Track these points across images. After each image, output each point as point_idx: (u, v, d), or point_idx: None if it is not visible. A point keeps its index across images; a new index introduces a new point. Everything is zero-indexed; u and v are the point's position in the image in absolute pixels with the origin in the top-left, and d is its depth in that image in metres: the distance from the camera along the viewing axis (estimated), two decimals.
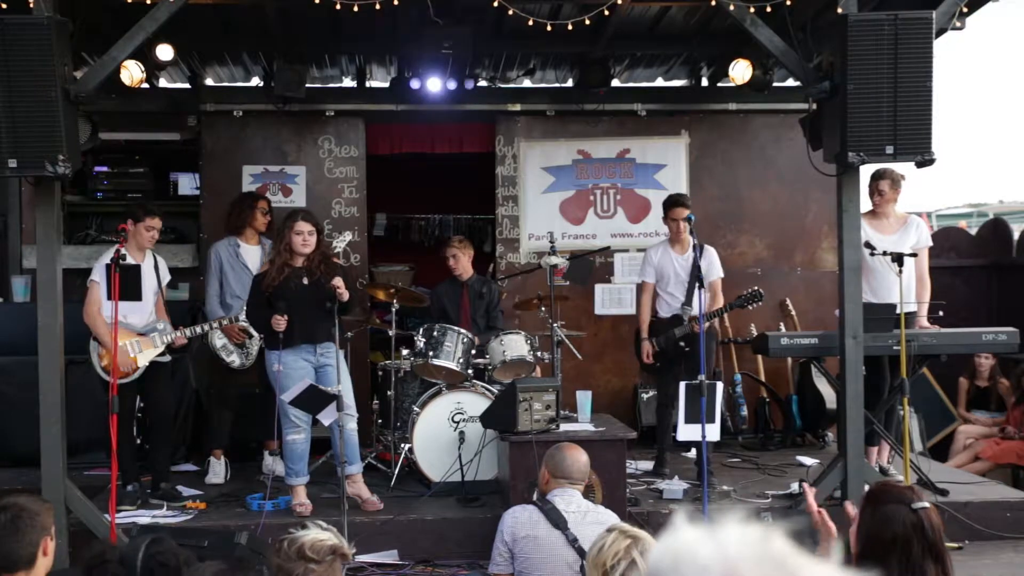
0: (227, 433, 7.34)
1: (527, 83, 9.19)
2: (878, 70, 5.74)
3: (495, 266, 8.88)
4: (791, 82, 8.51)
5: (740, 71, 7.93)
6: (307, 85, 8.15)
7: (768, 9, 6.11)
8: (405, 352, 7.30)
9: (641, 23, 7.95)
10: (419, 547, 6.09)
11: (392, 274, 9.85)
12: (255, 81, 9.04)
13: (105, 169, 9.01)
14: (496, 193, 8.93)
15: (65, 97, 5.53)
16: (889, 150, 5.82)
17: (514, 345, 7.03)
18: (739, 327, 8.86)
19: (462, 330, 7.00)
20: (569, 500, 4.40)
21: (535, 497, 4.72)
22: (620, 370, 8.79)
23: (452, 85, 8.37)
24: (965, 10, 6.54)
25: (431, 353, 6.85)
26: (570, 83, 9.15)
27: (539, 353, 7.12)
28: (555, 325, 7.01)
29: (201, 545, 4.39)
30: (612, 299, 8.91)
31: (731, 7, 6.05)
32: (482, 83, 8.84)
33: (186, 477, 7.33)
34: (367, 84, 9.19)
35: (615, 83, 8.98)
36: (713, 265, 7.03)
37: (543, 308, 7.30)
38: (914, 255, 6.70)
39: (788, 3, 6.03)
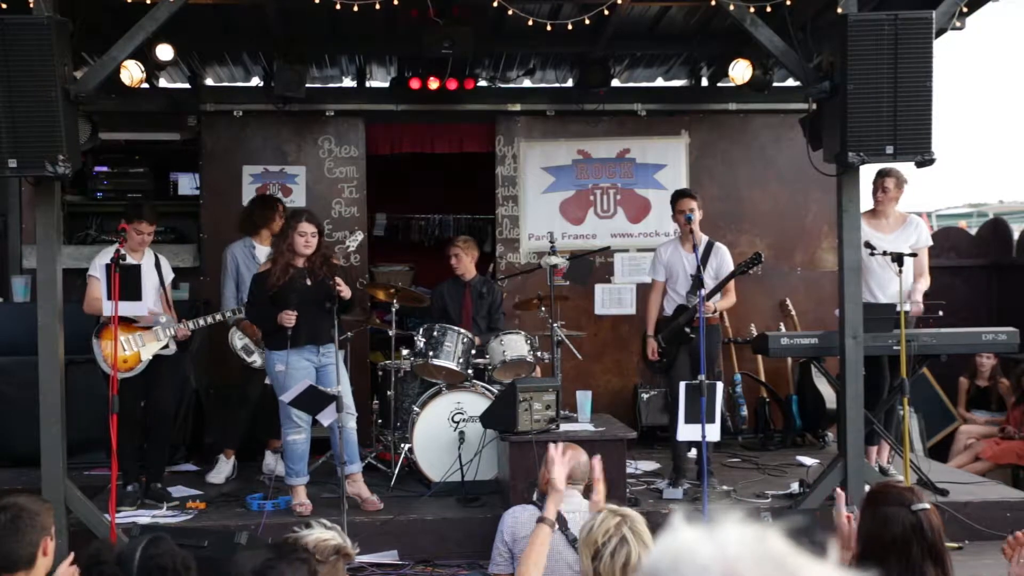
0: (241, 434, 7.33)
1: (527, 83, 9.19)
2: (878, 70, 5.74)
3: (495, 266, 8.88)
4: (791, 82, 8.51)
5: (740, 71, 7.93)
6: (307, 85, 8.14)
7: (768, 9, 6.11)
8: (405, 352, 7.30)
9: (641, 23, 7.95)
10: (419, 547, 6.09)
11: (392, 274, 9.85)
12: (255, 81, 9.04)
13: (105, 169, 9.01)
14: (496, 193, 8.93)
15: (65, 97, 5.53)
16: (889, 150, 5.82)
17: (514, 345, 7.03)
18: (739, 327, 8.86)
19: (462, 330, 7.00)
20: (569, 500, 4.40)
21: (535, 497, 4.72)
22: (620, 370, 8.79)
23: (452, 85, 8.37)
24: (965, 10, 6.54)
25: (431, 353, 6.85)
26: (570, 83, 9.15)
27: (539, 353, 7.12)
28: (555, 325, 7.01)
29: (201, 545, 4.38)
30: (612, 299, 8.91)
31: (731, 7, 6.05)
32: (482, 83, 8.84)
33: (186, 477, 7.34)
34: (367, 84, 9.19)
35: (615, 83, 8.98)
36: (724, 263, 6.93)
37: (543, 308, 7.30)
38: (914, 255, 6.69)
39: (788, 3, 6.03)
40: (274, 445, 7.32)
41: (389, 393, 7.28)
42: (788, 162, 8.74)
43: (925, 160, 5.90)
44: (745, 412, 8.65)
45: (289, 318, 6.10)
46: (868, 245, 6.56)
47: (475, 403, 6.78)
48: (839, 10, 5.92)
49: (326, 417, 5.95)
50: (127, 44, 5.89)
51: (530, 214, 8.91)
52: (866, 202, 6.76)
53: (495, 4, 6.07)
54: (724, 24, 7.34)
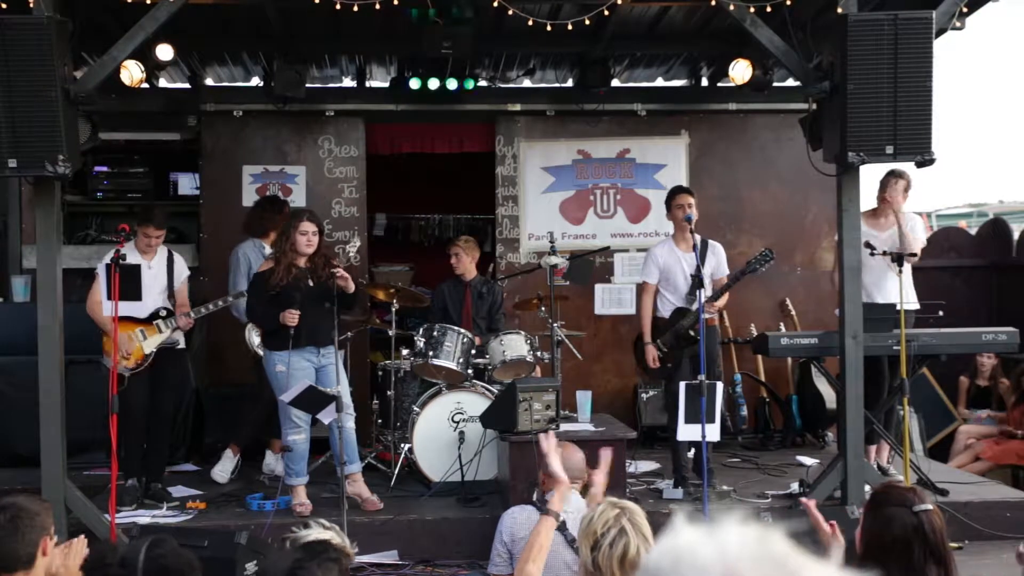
0: (250, 433, 7.32)
1: (527, 83, 9.19)
2: (878, 70, 5.74)
3: (495, 266, 8.88)
4: (791, 82, 8.51)
5: (740, 71, 7.93)
6: (307, 85, 8.15)
7: (768, 9, 6.11)
8: (405, 352, 7.30)
9: (641, 23, 7.95)
10: (419, 547, 6.09)
11: (392, 274, 9.85)
12: (255, 81, 9.03)
13: (105, 169, 9.02)
14: (496, 193, 8.93)
15: (65, 97, 5.53)
16: (889, 150, 5.82)
17: (514, 345, 7.03)
18: (739, 327, 8.86)
19: (462, 330, 7.00)
20: (567, 500, 4.39)
21: (535, 497, 4.72)
22: (620, 370, 8.79)
23: (452, 85, 8.37)
24: (965, 10, 6.54)
25: (431, 353, 6.85)
26: (570, 83, 9.15)
27: (539, 353, 7.12)
28: (555, 325, 7.01)
29: (201, 545, 4.37)
30: (612, 299, 8.91)
31: (731, 7, 6.05)
32: (482, 83, 8.84)
33: (186, 477, 7.33)
34: (367, 84, 9.19)
35: (615, 83, 8.98)
36: (722, 263, 6.89)
37: (543, 308, 7.29)
38: (914, 255, 6.69)
39: (788, 3, 6.03)
40: (276, 446, 7.31)
41: (389, 393, 7.28)
42: (788, 162, 8.73)
43: (925, 160, 5.90)
44: (745, 412, 8.65)
45: (293, 317, 6.10)
46: (868, 245, 6.56)
47: (475, 403, 6.78)
48: (839, 10, 5.92)
49: (326, 416, 5.95)
50: (127, 44, 5.89)
51: (530, 214, 8.91)
52: (866, 201, 6.76)
53: (495, 4, 6.07)
54: (724, 24, 7.35)
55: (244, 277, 7.19)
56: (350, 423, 6.28)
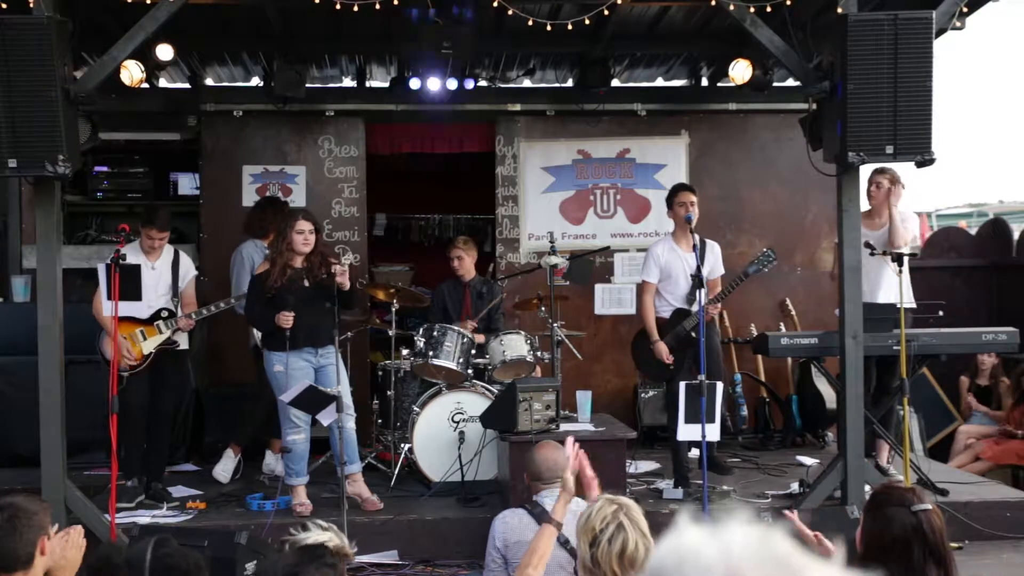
0: (251, 432, 7.31)
1: (527, 83, 9.19)
2: (878, 70, 5.74)
3: (495, 266, 8.87)
4: (791, 82, 8.51)
5: (740, 71, 7.93)
6: (307, 85, 8.15)
7: (768, 9, 6.11)
8: (405, 352, 7.30)
9: (641, 23, 7.95)
10: (419, 547, 6.09)
11: (392, 274, 9.85)
12: (255, 81, 9.03)
13: (105, 169, 9.02)
14: (496, 193, 8.93)
15: (65, 97, 5.53)
16: (889, 150, 5.82)
17: (514, 345, 7.03)
18: (739, 327, 8.86)
19: (462, 330, 7.00)
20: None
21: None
22: (620, 370, 8.79)
23: (452, 85, 8.36)
24: (965, 10, 6.54)
25: (431, 353, 6.85)
26: (570, 83, 9.15)
27: (539, 353, 7.12)
28: (555, 325, 7.00)
29: (201, 545, 4.37)
30: (612, 299, 8.91)
31: (731, 7, 6.05)
32: (482, 83, 8.84)
33: (186, 477, 7.33)
34: (367, 84, 9.19)
35: (615, 83, 8.98)
36: (718, 263, 6.90)
37: (543, 308, 7.29)
38: (914, 255, 6.70)
39: (788, 3, 6.03)
40: (276, 446, 7.31)
41: (389, 393, 7.28)
42: (788, 162, 8.73)
43: (925, 160, 5.90)
44: (745, 412, 8.65)
45: (287, 319, 6.10)
46: (868, 245, 6.56)
47: (475, 403, 6.78)
48: (839, 10, 5.92)
49: (326, 417, 5.95)
50: (127, 44, 5.89)
51: (530, 214, 8.91)
52: (864, 203, 6.75)
53: (495, 4, 6.07)
54: (724, 24, 7.35)
55: (247, 275, 7.19)
56: (350, 423, 6.28)
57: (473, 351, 7.01)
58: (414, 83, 8.41)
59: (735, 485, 6.89)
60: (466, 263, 7.56)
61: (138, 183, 9.04)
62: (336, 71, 9.08)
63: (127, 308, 6.09)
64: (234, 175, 8.70)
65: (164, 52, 7.41)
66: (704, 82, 9.28)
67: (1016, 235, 10.34)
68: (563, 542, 4.19)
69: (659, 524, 2.24)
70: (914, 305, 6.99)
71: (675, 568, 1.04)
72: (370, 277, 9.17)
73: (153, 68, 7.77)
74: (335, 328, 6.06)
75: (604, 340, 8.84)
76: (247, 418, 7.32)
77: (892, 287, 6.56)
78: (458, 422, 6.79)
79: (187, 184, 9.14)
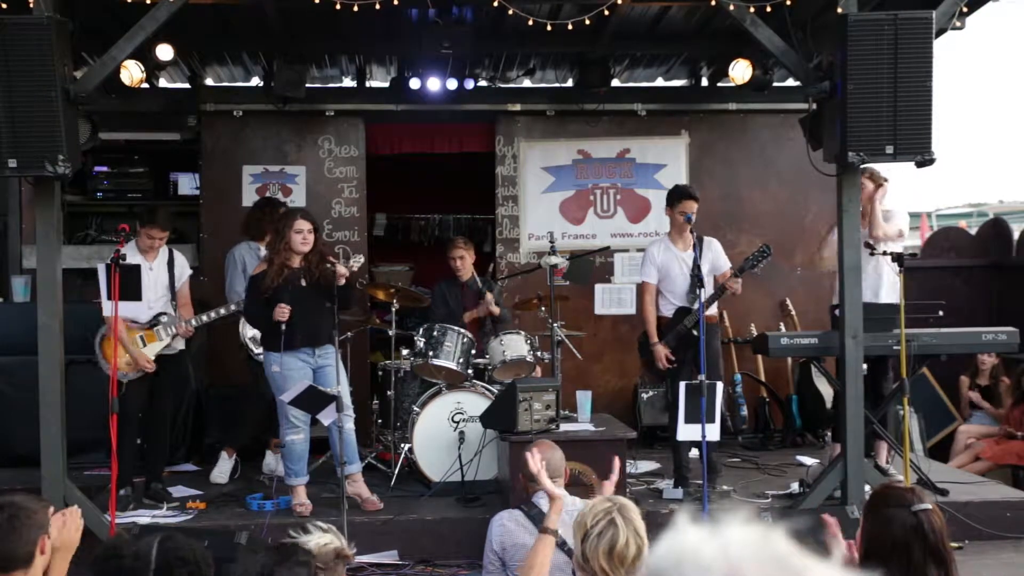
0: (249, 433, 7.31)
1: (527, 83, 9.19)
2: (878, 70, 5.74)
3: (495, 266, 8.87)
4: (791, 82, 8.51)
5: (740, 71, 7.93)
6: (307, 85, 8.15)
7: (768, 9, 6.10)
8: (405, 352, 7.30)
9: (641, 23, 7.95)
10: (419, 547, 6.09)
11: (392, 274, 9.85)
12: (255, 81, 9.03)
13: (105, 169, 9.01)
14: (496, 193, 8.93)
15: (65, 97, 5.53)
16: (889, 150, 5.82)
17: (514, 345, 7.03)
18: (739, 327, 8.86)
19: (462, 330, 7.00)
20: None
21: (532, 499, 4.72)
22: (620, 370, 8.79)
23: (452, 85, 8.37)
24: (965, 10, 6.54)
25: (431, 353, 6.85)
26: (570, 83, 9.15)
27: (539, 353, 7.11)
28: (555, 325, 7.00)
29: (201, 545, 4.37)
30: (612, 299, 8.91)
31: (731, 7, 6.05)
32: (482, 83, 8.84)
33: (186, 477, 7.33)
34: (367, 84, 9.19)
35: (615, 83, 8.98)
36: (720, 257, 6.83)
37: (543, 308, 7.29)
38: (914, 255, 6.69)
39: (788, 3, 6.03)
40: (275, 444, 7.31)
41: (389, 393, 7.28)
42: (788, 162, 8.74)
43: (925, 160, 5.89)
44: (745, 412, 8.65)
45: (283, 312, 6.08)
46: (868, 245, 6.56)
47: (475, 403, 6.78)
48: (839, 10, 5.92)
49: (326, 417, 5.94)
50: (127, 44, 5.89)
51: (530, 214, 8.91)
52: None
53: (495, 4, 6.07)
54: (724, 24, 7.34)
55: (240, 278, 7.18)
56: (350, 424, 6.27)
57: (473, 351, 7.01)
58: (414, 83, 8.41)
59: (734, 485, 6.89)
60: (467, 263, 7.57)
61: (138, 183, 9.04)
62: (336, 71, 9.08)
63: (127, 312, 6.08)
64: (234, 175, 8.70)
65: (164, 52, 7.41)
66: (704, 82, 9.28)
67: (1016, 235, 10.34)
68: (560, 543, 4.20)
69: (659, 524, 2.24)
70: (896, 302, 6.98)
71: (674, 568, 1.04)
72: (370, 277, 9.17)
73: (153, 68, 7.77)
74: (334, 328, 6.05)
75: (604, 340, 8.84)
76: (241, 420, 7.32)
77: (886, 288, 6.58)
78: (458, 422, 6.79)
79: (187, 184, 9.14)
